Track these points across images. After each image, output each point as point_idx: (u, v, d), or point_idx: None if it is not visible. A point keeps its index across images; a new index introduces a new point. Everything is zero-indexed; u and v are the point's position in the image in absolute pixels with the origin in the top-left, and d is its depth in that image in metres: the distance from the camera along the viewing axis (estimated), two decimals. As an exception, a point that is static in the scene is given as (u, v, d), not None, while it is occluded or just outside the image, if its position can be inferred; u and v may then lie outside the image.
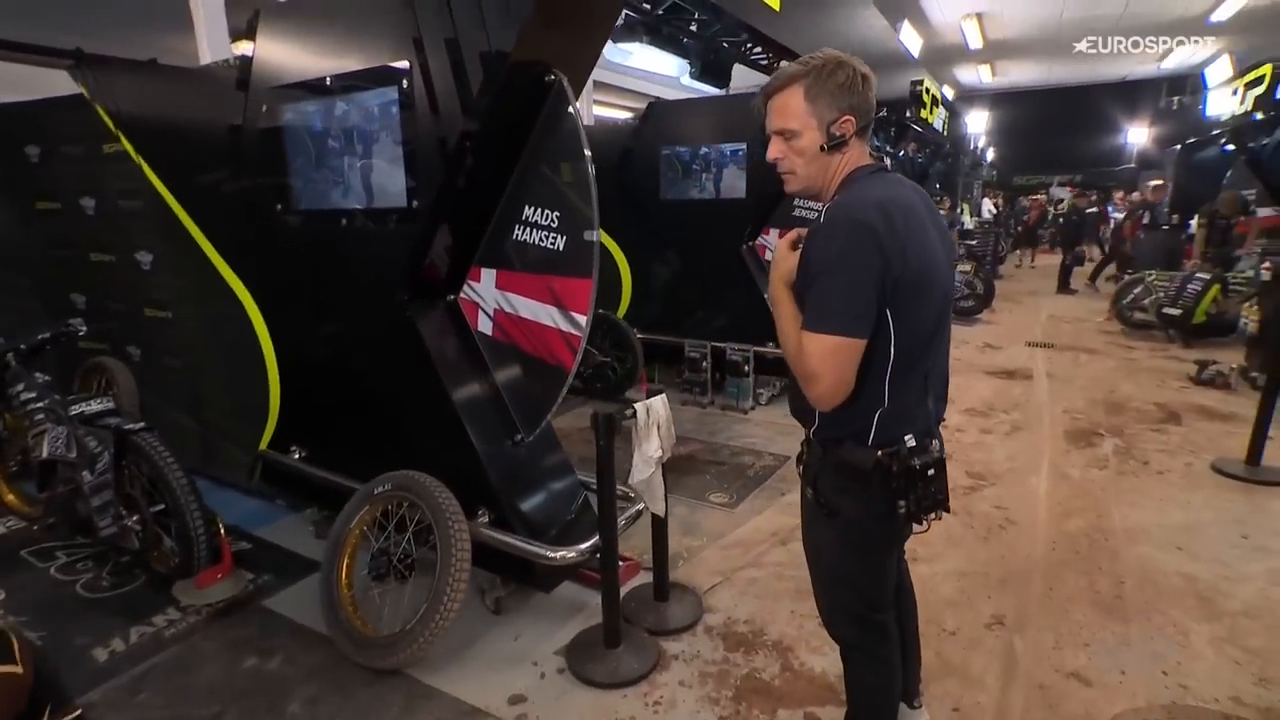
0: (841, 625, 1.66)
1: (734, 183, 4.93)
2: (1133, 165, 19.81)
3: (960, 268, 8.97)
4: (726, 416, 5.07)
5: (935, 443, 1.47)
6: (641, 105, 5.70)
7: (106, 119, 3.44)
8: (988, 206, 15.32)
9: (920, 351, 1.41)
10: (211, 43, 3.53)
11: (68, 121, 3.83)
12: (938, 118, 7.48)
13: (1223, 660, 2.39)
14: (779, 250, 1.47)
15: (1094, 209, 13.95)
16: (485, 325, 2.56)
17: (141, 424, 2.83)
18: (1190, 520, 3.40)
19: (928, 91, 6.93)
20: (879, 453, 1.41)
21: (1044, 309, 9.66)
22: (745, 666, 2.39)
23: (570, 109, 2.24)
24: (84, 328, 3.69)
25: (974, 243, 9.54)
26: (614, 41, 3.68)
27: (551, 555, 2.37)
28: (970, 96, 19.13)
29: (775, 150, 1.46)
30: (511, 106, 2.26)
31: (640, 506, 2.66)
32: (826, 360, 1.30)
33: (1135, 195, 14.25)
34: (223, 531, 2.85)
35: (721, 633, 2.58)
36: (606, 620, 2.40)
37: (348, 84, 2.46)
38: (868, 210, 1.31)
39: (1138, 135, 20.03)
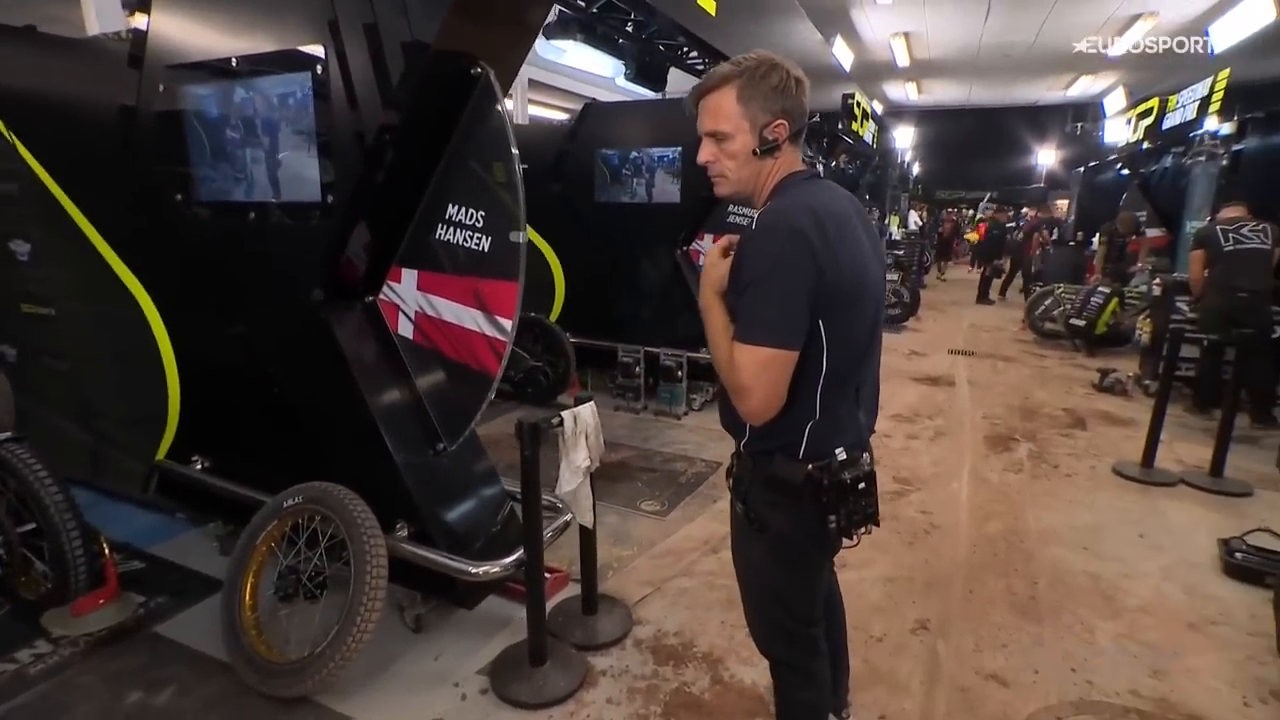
0: (772, 641, 1.63)
1: (668, 187, 4.91)
2: (1042, 185, 21.09)
3: (889, 277, 9.28)
4: (660, 422, 5.04)
5: (866, 456, 1.45)
6: (579, 106, 5.62)
7: (-22, 94, 3.10)
8: (915, 218, 15.98)
9: (853, 363, 1.39)
10: (100, 11, 3.23)
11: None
12: (868, 131, 7.71)
13: (1123, 655, 2.50)
14: (710, 257, 1.43)
15: (1011, 224, 14.77)
16: (406, 328, 2.43)
17: (8, 434, 2.55)
18: (1095, 521, 3.57)
19: (858, 105, 7.13)
20: (810, 466, 1.38)
21: (965, 318, 10.10)
22: (675, 680, 2.34)
23: (497, 104, 2.14)
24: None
25: (901, 253, 9.90)
26: (547, 38, 3.59)
27: (473, 570, 2.25)
28: (899, 112, 19.93)
29: (706, 153, 1.41)
30: (435, 100, 2.15)
31: (568, 517, 2.57)
32: (758, 373, 1.26)
33: (1028, 213, 15.23)
34: (107, 551, 2.60)
35: (651, 646, 2.52)
36: (531, 637, 2.30)
37: (256, 67, 2.28)
38: (801, 217, 1.27)
39: (1046, 157, 21.36)
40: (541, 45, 4.60)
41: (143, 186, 2.67)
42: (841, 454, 1.39)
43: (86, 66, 2.85)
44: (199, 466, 2.86)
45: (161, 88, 2.50)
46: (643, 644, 2.53)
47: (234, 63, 2.31)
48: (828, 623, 1.74)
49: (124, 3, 2.67)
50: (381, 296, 2.45)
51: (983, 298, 11.53)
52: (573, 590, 2.76)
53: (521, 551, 2.28)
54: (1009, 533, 3.42)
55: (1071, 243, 11.08)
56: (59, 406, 3.51)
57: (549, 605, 2.68)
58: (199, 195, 2.53)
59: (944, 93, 17.82)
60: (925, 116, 20.82)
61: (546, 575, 2.79)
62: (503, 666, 2.35)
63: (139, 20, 2.52)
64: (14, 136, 3.03)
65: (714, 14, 3.51)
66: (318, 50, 2.14)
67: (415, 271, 2.37)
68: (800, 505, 1.41)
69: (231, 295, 2.62)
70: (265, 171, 2.33)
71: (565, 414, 2.31)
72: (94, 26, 3.25)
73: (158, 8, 2.45)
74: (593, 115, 5.30)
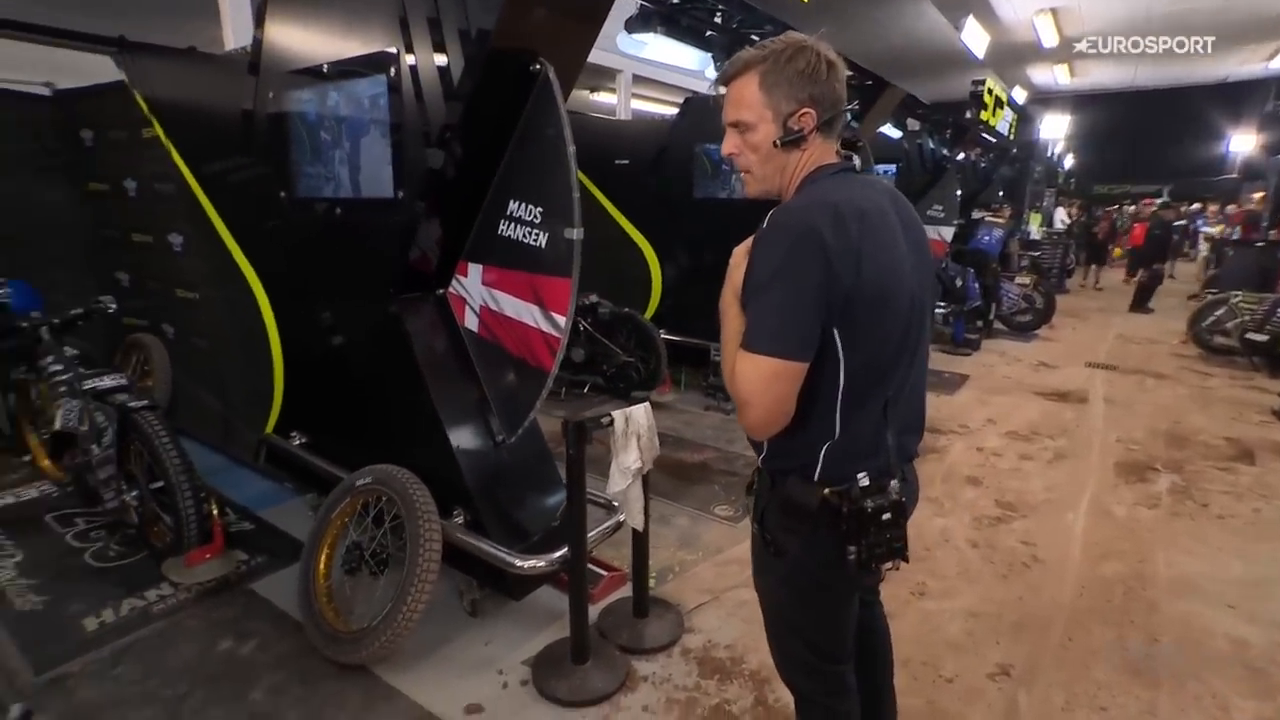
0: (791, 672, 1.51)
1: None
2: (1234, 175, 18.28)
3: (1019, 280, 8.46)
4: (749, 425, 4.89)
5: (894, 484, 1.30)
6: (679, 99, 5.57)
7: (142, 104, 3.55)
8: (1061, 216, 14.43)
9: (878, 377, 1.25)
10: (236, 28, 3.59)
11: (113, 106, 3.98)
12: (1002, 120, 7.05)
13: (1265, 743, 2.11)
14: (734, 257, 1.32)
15: (1182, 222, 12.92)
16: (471, 321, 2.50)
17: (144, 401, 2.89)
18: (1250, 575, 3.04)
19: (990, 92, 6.53)
20: (826, 491, 1.26)
21: (1113, 328, 9.02)
22: (716, 696, 2.25)
23: (556, 100, 2.14)
24: (113, 305, 3.82)
25: (1039, 254, 8.98)
26: (629, 32, 3.56)
27: (518, 564, 2.28)
28: (1045, 99, 18.05)
29: (730, 145, 1.32)
30: (496, 95, 2.18)
31: (622, 517, 2.54)
32: (760, 384, 1.16)
33: (1232, 210, 13.09)
34: (217, 511, 2.89)
35: (699, 657, 2.44)
36: (574, 635, 2.30)
37: (343, 70, 2.43)
38: (816, 215, 1.15)
39: (1242, 142, 18.44)
40: (641, 41, 4.58)
41: (256, 184, 2.93)
42: (864, 479, 1.25)
43: (221, 78, 3.16)
44: (297, 441, 3.11)
45: (271, 93, 2.73)
46: (690, 654, 2.46)
47: (326, 68, 2.47)
48: (865, 661, 1.59)
49: (254, 18, 2.93)
50: (450, 290, 2.54)
51: (1138, 305, 10.23)
52: (629, 591, 2.74)
53: (566, 549, 2.28)
54: (1130, 577, 3.00)
55: (1260, 243, 9.53)
56: (201, 380, 3.97)
57: (603, 603, 2.68)
58: (298, 191, 2.74)
59: (1103, 74, 15.86)
60: (1082, 103, 18.69)
61: (603, 573, 2.81)
62: (546, 660, 2.37)
63: (259, 32, 2.76)
64: (169, 142, 3.44)
65: (806, 1, 3.31)
66: (392, 49, 2.24)
67: (480, 266, 2.43)
68: (816, 533, 1.29)
69: (320, 285, 2.83)
70: (349, 169, 2.48)
71: (616, 414, 2.28)
72: (231, 42, 3.61)
73: (269, 19, 2.67)
74: (693, 110, 5.22)
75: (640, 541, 2.51)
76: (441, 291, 2.55)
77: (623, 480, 2.29)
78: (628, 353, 5.20)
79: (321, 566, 2.52)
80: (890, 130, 6.61)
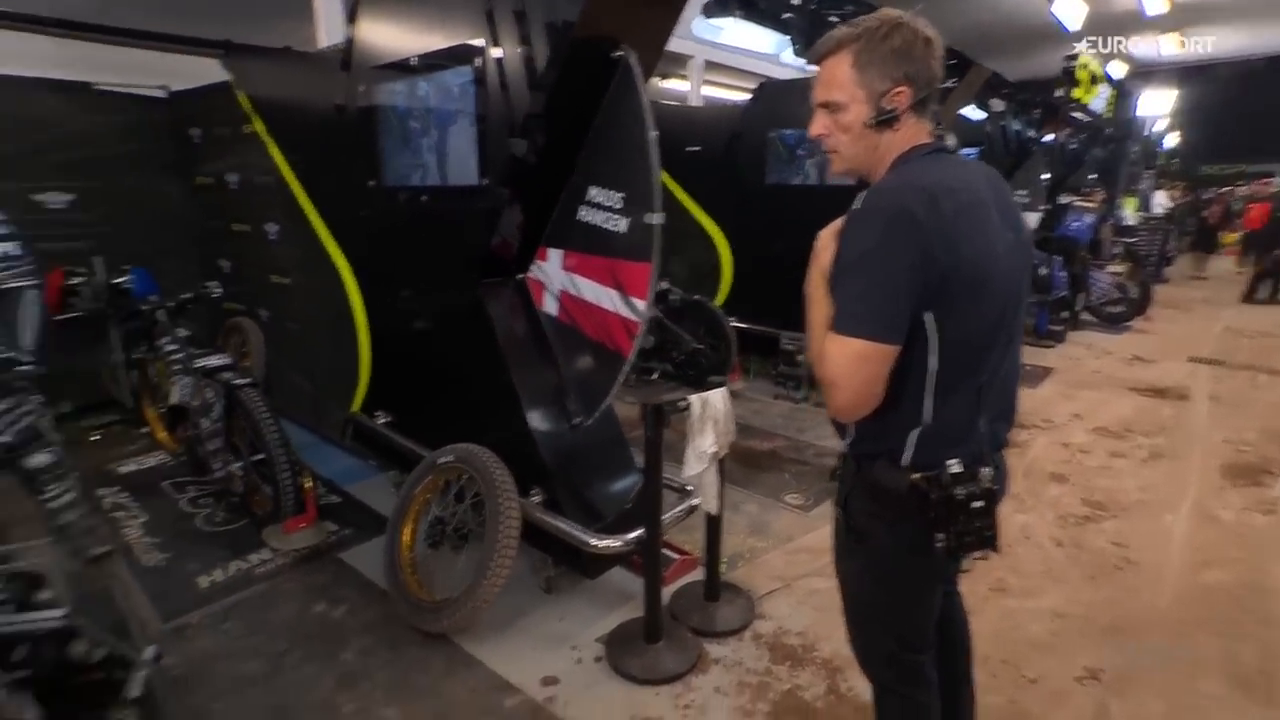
0: (870, 660, 1.50)
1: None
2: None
3: (1111, 268, 7.96)
4: (819, 414, 4.82)
5: (986, 471, 1.26)
6: (752, 85, 5.49)
7: (244, 102, 3.78)
8: (1160, 199, 13.41)
9: (972, 362, 1.22)
10: (328, 27, 3.76)
11: (219, 105, 4.25)
12: (1097, 98, 6.60)
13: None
14: (821, 239, 1.31)
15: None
16: (550, 306, 2.56)
17: (248, 379, 3.10)
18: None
19: (1084, 67, 6.13)
20: (914, 476, 1.24)
21: (1220, 320, 8.38)
22: (788, 682, 2.25)
23: (637, 87, 2.16)
24: (219, 290, 4.11)
25: (1135, 240, 8.41)
26: (706, 16, 3.53)
27: (592, 543, 2.34)
28: (1147, 73, 16.73)
29: (819, 125, 1.30)
30: (578, 83, 2.22)
31: (696, 501, 2.57)
32: (848, 367, 1.15)
33: None
34: (309, 484, 3.07)
35: (770, 642, 2.44)
36: (647, 614, 2.34)
37: (431, 63, 2.52)
38: (909, 196, 1.14)
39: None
40: (714, 26, 4.55)
41: (346, 174, 3.08)
42: (955, 466, 1.23)
43: (315, 75, 3.33)
44: (381, 420, 3.27)
45: (362, 87, 2.85)
46: (762, 639, 2.46)
47: (414, 61, 2.57)
48: (945, 651, 1.56)
49: (346, 17, 3.07)
50: (530, 274, 2.60)
51: (1253, 295, 9.45)
52: (700, 574, 2.76)
53: (642, 530, 2.32)
54: (1239, 586, 2.81)
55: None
56: (293, 361, 4.21)
57: (674, 587, 2.72)
58: (387, 180, 2.86)
59: (1221, 42, 14.56)
60: (1188, 75, 17.24)
61: (675, 557, 2.84)
62: (619, 638, 2.42)
63: (350, 30, 2.90)
64: (268, 137, 3.65)
65: (891, -25, 3.20)
66: (479, 42, 2.31)
67: (560, 251, 2.48)
68: (902, 518, 1.27)
69: (405, 270, 2.95)
70: (435, 158, 2.58)
71: (694, 398, 2.29)
72: (324, 40, 3.79)
73: (361, 17, 2.79)
74: (766, 95, 5.13)
75: (714, 526, 2.53)
76: (521, 276, 2.62)
77: (698, 464, 2.31)
78: (697, 340, 5.19)
79: (406, 539, 2.65)
80: (972, 112, 6.30)
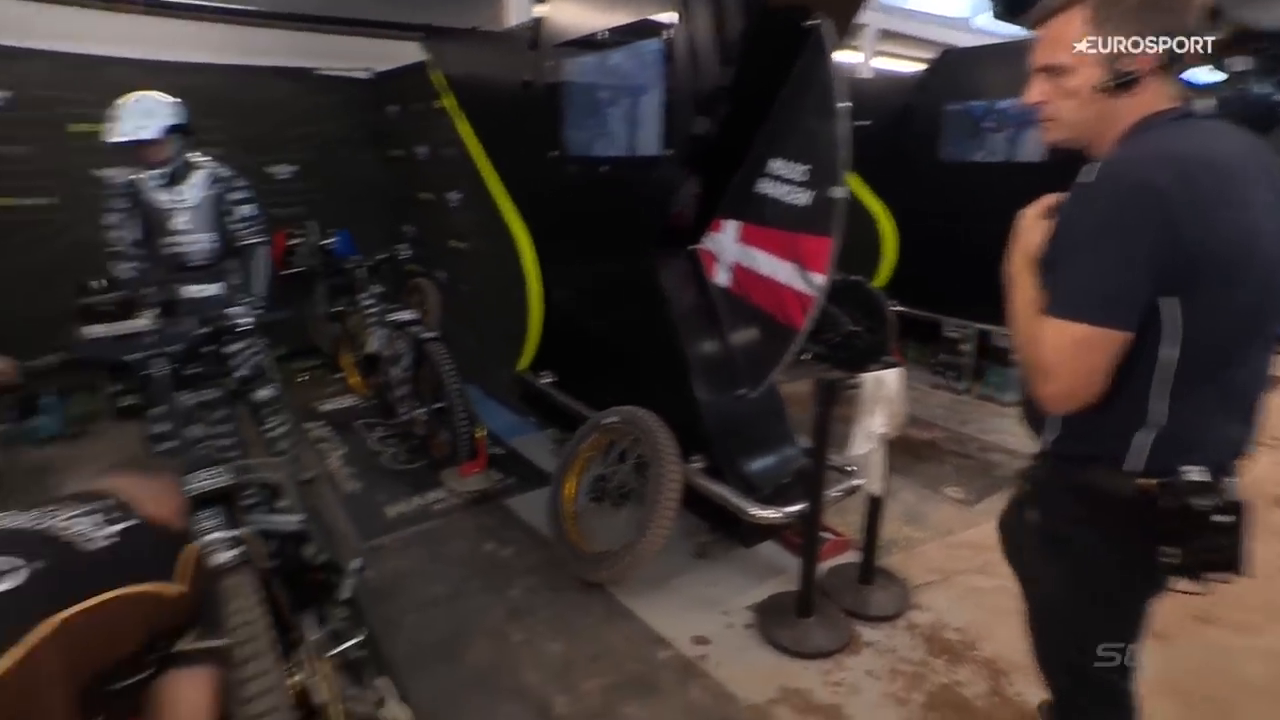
0: (1051, 669, 1.39)
1: (1036, 144, 4.22)
2: None
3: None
4: (983, 408, 4.51)
5: (1232, 481, 1.12)
6: (933, 55, 5.14)
7: (438, 80, 4.10)
8: None
9: (1220, 357, 1.09)
10: (516, 8, 3.97)
11: (413, 84, 4.65)
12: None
13: None
14: (1026, 219, 1.22)
15: None
16: (722, 277, 2.59)
17: (434, 334, 3.41)
18: None
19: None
20: (1141, 482, 1.11)
21: None
22: (945, 676, 2.17)
23: (829, 57, 2.10)
24: (407, 253, 4.52)
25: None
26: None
27: (753, 512, 2.36)
28: None
29: (1037, 91, 1.18)
30: (766, 55, 2.20)
31: (858, 482, 2.52)
32: (1066, 353, 1.06)
33: None
34: (480, 434, 3.35)
35: (926, 634, 2.36)
36: (802, 588, 2.35)
37: (620, 37, 2.60)
38: (1153, 167, 1.02)
39: None
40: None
41: (529, 145, 3.27)
42: (1196, 474, 1.09)
43: (502, 52, 3.54)
44: (546, 380, 3.48)
45: (549, 63, 3.00)
46: (917, 629, 2.39)
47: (602, 36, 2.66)
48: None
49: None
50: (702, 245, 2.64)
51: None
52: (851, 557, 2.72)
53: (803, 504, 2.32)
54: None
55: None
56: (465, 320, 4.57)
57: (825, 566, 2.69)
58: (568, 151, 3.00)
59: None
60: None
61: (827, 535, 2.81)
62: (770, 608, 2.45)
63: (539, 10, 3.05)
64: (457, 112, 3.94)
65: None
66: (669, 17, 2.35)
67: (736, 222, 2.49)
68: (1122, 529, 1.16)
69: (581, 237, 3.09)
70: (617, 129, 2.67)
71: (868, 376, 2.24)
72: (511, 20, 4.02)
73: (551, -4, 2.93)
74: (948, 64, 4.79)
75: (875, 508, 2.47)
76: (694, 247, 2.67)
77: (866, 444, 2.27)
78: (854, 322, 5.02)
79: (569, 492, 2.82)
80: (1202, 74, 5.43)
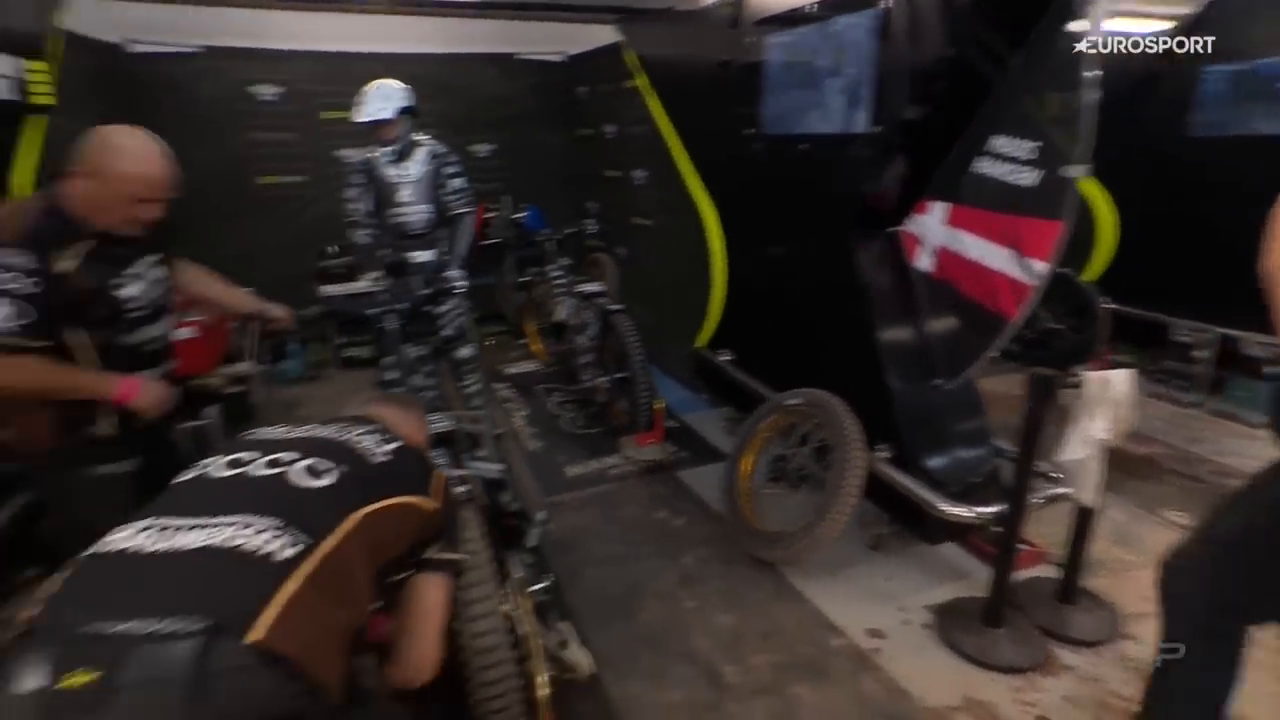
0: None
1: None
2: None
3: None
4: (1218, 426, 3.91)
5: None
6: (1175, 11, 4.41)
7: (631, 60, 4.22)
8: None
9: None
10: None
11: (605, 65, 4.83)
12: None
13: None
14: None
15: None
16: (924, 261, 2.45)
17: (620, 306, 3.57)
18: None
19: None
20: None
21: None
22: None
23: (1074, 23, 1.90)
24: (594, 228, 4.73)
25: None
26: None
27: (945, 509, 2.25)
28: None
29: None
30: (1000, 22, 2.03)
31: (1062, 490, 2.31)
32: None
33: None
34: (659, 406, 3.46)
35: (1141, 670, 2.12)
36: (992, 596, 2.20)
37: (828, 11, 2.52)
38: None
39: None
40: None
41: (722, 122, 3.28)
42: None
43: (698, 31, 3.56)
44: (725, 358, 3.51)
45: (750, 40, 2.98)
46: (1130, 663, 2.15)
47: (810, 9, 2.59)
48: None
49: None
50: (905, 227, 2.52)
51: None
52: (1046, 572, 2.50)
53: (1001, 506, 2.17)
54: None
55: None
56: (642, 295, 4.72)
57: (1017, 577, 2.50)
58: (763, 128, 2.98)
59: None
60: None
61: (1021, 546, 2.60)
62: (952, 612, 2.33)
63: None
64: (649, 92, 4.04)
65: None
66: (889, -13, 2.23)
67: (946, 204, 2.34)
68: None
69: (774, 216, 3.06)
70: (819, 107, 2.60)
71: (1093, 375, 2.04)
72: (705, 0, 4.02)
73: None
74: (1219, 17, 4.06)
75: (1084, 521, 2.25)
76: (895, 229, 2.55)
77: (1081, 449, 2.06)
78: (1056, 319, 4.54)
79: (745, 469, 2.85)
80: None
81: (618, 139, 4.96)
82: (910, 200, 2.47)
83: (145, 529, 1.05)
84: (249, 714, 0.91)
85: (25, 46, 2.35)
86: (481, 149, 5.57)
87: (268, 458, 1.20)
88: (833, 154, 2.60)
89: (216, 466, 1.20)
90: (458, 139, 5.12)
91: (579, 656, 2.00)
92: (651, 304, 4.67)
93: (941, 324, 2.43)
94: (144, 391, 1.77)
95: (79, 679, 0.84)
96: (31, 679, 0.85)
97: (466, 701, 1.56)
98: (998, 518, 2.19)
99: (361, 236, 3.44)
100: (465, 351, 3.62)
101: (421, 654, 1.36)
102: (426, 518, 1.35)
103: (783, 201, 2.97)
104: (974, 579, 2.53)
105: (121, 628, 0.89)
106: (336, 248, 4.93)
